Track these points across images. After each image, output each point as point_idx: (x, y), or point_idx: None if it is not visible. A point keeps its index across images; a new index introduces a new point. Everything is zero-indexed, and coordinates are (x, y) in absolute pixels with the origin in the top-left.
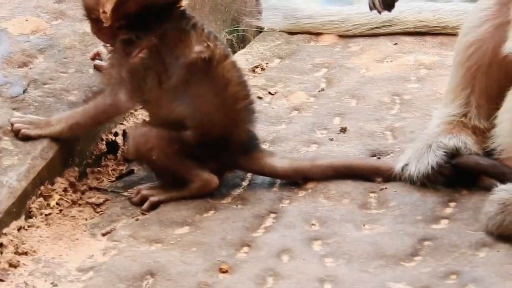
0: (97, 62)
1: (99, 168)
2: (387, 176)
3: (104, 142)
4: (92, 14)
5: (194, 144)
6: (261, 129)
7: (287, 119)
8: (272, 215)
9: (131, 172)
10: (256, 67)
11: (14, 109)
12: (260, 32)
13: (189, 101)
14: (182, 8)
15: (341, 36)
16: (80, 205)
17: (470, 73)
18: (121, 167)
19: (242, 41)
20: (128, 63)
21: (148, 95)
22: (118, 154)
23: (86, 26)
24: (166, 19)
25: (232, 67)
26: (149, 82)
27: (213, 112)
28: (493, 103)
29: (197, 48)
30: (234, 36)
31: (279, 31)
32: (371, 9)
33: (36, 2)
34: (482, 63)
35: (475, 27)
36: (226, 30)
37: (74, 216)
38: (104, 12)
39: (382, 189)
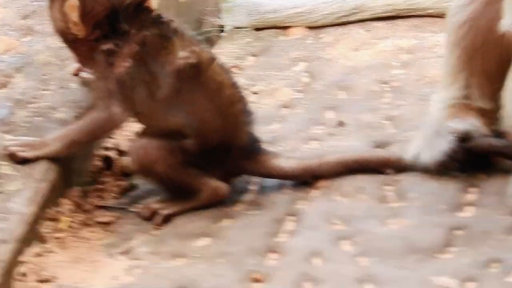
0: (81, 74)
1: (99, 186)
2: (398, 167)
3: (100, 159)
4: (67, 37)
5: (196, 152)
6: (254, 130)
7: (279, 117)
8: (291, 218)
9: (134, 186)
10: (233, 67)
11: (4, 132)
12: (222, 31)
13: (184, 109)
14: (157, 12)
15: (310, 28)
16: (90, 225)
17: (466, 54)
18: (121, 183)
19: (208, 42)
20: (114, 73)
21: (141, 107)
22: (115, 170)
23: (59, 41)
24: (142, 24)
25: (221, 69)
26: (139, 93)
27: (211, 118)
28: (495, 82)
29: (182, 53)
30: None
31: (245, 28)
32: None
33: (1, 20)
34: (476, 42)
35: (464, 6)
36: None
37: (88, 238)
38: (74, 24)
39: (397, 180)
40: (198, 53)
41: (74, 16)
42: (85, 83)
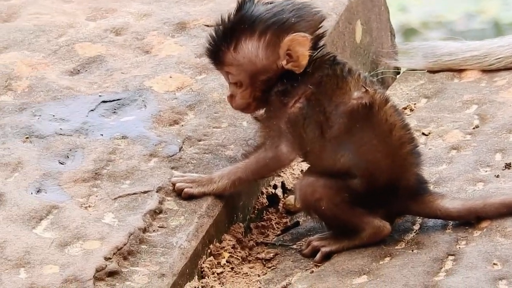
0: None
1: (262, 223)
2: None
3: (265, 196)
4: (260, 77)
5: (362, 192)
6: (422, 171)
7: (447, 159)
8: (451, 258)
9: (296, 224)
10: (405, 108)
11: (172, 168)
12: (398, 73)
13: (354, 149)
14: (333, 54)
15: (484, 71)
16: (250, 261)
17: None
18: (284, 220)
19: (381, 84)
20: (286, 113)
21: (310, 146)
22: (279, 207)
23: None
24: (319, 65)
25: (393, 111)
26: (310, 132)
27: (380, 159)
28: None
29: (356, 94)
30: (374, 78)
31: (420, 70)
32: None
33: (177, 58)
34: None
35: None
36: (366, 73)
37: (247, 273)
38: (298, 59)
39: None
40: (371, 94)
41: (303, 51)
42: (257, 119)
